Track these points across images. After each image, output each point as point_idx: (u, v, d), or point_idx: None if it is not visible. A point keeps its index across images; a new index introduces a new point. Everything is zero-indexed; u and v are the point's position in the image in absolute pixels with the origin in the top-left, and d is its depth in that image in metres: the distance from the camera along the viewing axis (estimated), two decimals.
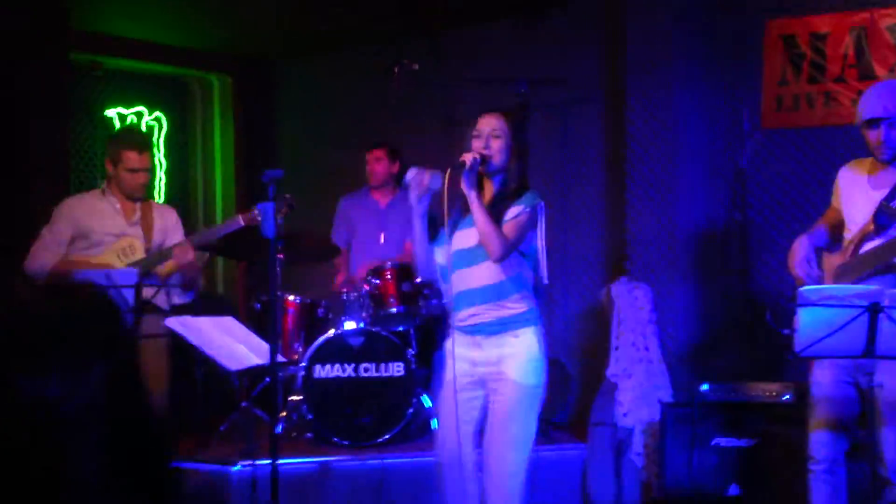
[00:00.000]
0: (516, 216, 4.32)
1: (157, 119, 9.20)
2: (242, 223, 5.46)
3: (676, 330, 6.65)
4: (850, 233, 4.79)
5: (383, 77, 7.38)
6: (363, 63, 8.40)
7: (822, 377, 4.72)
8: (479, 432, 4.49)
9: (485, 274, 4.35)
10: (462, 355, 4.45)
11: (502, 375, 4.36)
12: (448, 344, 4.52)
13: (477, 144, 4.36)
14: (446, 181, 4.22)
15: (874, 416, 4.35)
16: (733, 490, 5.82)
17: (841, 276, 4.72)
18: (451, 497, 4.48)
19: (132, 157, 5.51)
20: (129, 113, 9.00)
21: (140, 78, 9.13)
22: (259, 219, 5.26)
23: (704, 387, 6.04)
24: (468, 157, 4.28)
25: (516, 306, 4.39)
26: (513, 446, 4.37)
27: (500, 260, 4.30)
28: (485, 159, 4.35)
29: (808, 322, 4.07)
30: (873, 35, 6.27)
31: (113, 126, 8.89)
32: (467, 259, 4.38)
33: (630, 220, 6.85)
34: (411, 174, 4.35)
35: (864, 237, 4.67)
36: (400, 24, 7.94)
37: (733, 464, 5.86)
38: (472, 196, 4.26)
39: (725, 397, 5.98)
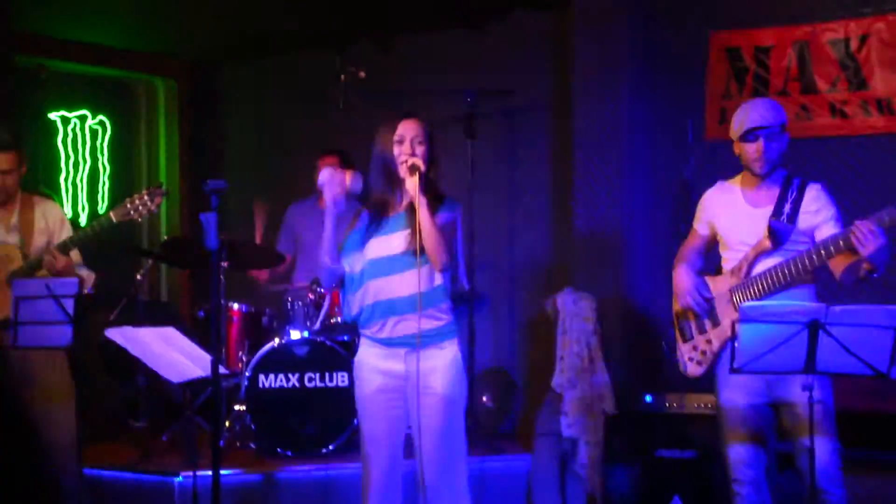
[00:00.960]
0: (445, 223, 4.30)
1: (101, 122, 9.11)
2: (114, 220, 5.24)
3: (621, 341, 6.66)
4: (732, 252, 4.84)
5: (330, 83, 7.34)
6: (310, 67, 8.37)
7: (734, 396, 4.75)
8: (404, 445, 4.46)
9: (409, 283, 4.26)
10: (378, 368, 4.38)
11: (430, 389, 4.29)
12: (360, 355, 4.46)
13: (400, 150, 4.31)
14: (414, 187, 4.17)
15: (812, 429, 4.38)
16: (676, 502, 5.85)
17: (737, 297, 4.75)
18: None
19: None
20: (73, 116, 8.92)
21: (84, 81, 9.05)
22: (132, 215, 5.23)
23: (648, 398, 6.08)
24: (419, 162, 4.24)
25: (442, 317, 4.35)
26: (454, 459, 4.35)
27: (446, 269, 4.28)
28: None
29: (748, 338, 4.10)
30: (816, 49, 6.33)
31: (56, 129, 8.81)
32: (389, 267, 4.30)
33: (576, 230, 6.87)
34: (327, 174, 4.32)
35: (758, 254, 4.72)
36: (347, 29, 7.92)
37: (677, 476, 5.89)
38: (423, 203, 4.19)
39: (669, 409, 6.02)
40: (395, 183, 4.35)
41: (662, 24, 6.83)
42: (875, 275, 4.54)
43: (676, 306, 5.06)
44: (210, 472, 4.45)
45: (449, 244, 4.27)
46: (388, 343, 4.34)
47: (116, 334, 4.92)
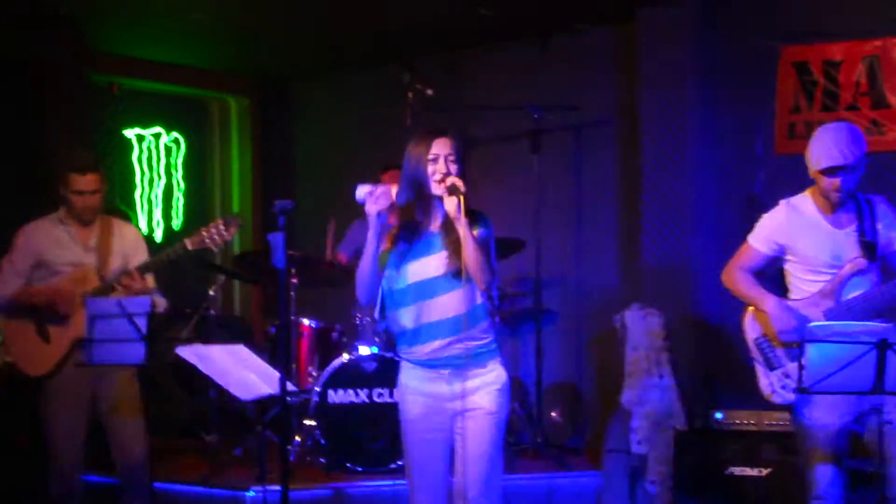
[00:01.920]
0: (481, 240, 4.19)
1: (176, 140, 9.27)
2: (189, 248, 5.34)
3: (690, 356, 6.62)
4: (816, 274, 4.75)
5: (398, 98, 7.40)
6: (379, 84, 8.44)
7: (823, 415, 4.68)
8: (450, 467, 4.36)
9: (452, 304, 4.18)
10: (422, 390, 4.28)
11: (476, 410, 4.22)
12: (403, 378, 4.35)
13: (434, 168, 4.18)
14: (456, 208, 4.05)
15: (885, 453, 4.33)
16: None
17: (835, 320, 4.68)
18: None
19: (76, 180, 5.42)
20: (148, 133, 9.07)
21: (159, 99, 9.22)
22: (207, 243, 5.32)
23: (718, 415, 6.03)
24: (459, 183, 4.11)
25: (484, 336, 4.26)
26: (495, 477, 4.28)
27: (489, 288, 4.19)
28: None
29: (816, 358, 4.06)
30: (886, 63, 6.26)
31: (132, 147, 8.97)
32: (430, 290, 4.20)
33: (643, 246, 6.84)
34: (366, 189, 4.19)
35: (851, 273, 4.64)
36: (415, 46, 7.97)
37: (747, 493, 5.84)
38: (464, 223, 4.08)
39: (739, 426, 5.97)
40: (428, 202, 4.24)
41: (729, 37, 6.79)
42: None
43: (756, 332, 4.97)
44: (279, 487, 4.49)
45: (489, 261, 4.20)
46: (432, 365, 4.24)
47: (187, 352, 4.98)
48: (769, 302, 4.90)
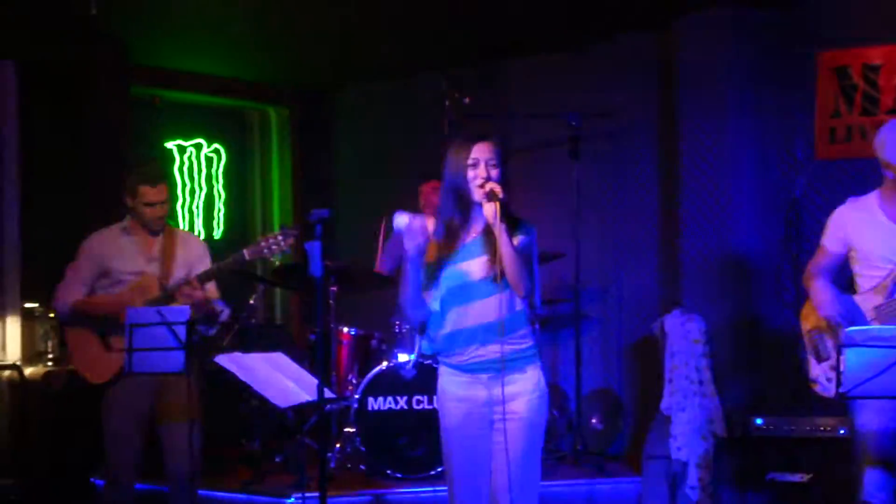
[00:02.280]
0: (522, 247, 4.17)
1: (216, 151, 9.34)
2: (247, 258, 5.40)
3: (730, 363, 6.59)
4: (874, 269, 4.74)
5: (437, 106, 7.42)
6: (417, 92, 8.47)
7: (871, 417, 4.67)
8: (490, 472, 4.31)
9: (489, 309, 4.15)
10: (460, 396, 4.25)
11: (514, 415, 4.19)
12: (442, 384, 4.32)
13: (475, 173, 4.15)
14: (493, 214, 4.03)
15: None
16: None
17: (883, 317, 4.66)
18: None
19: (147, 192, 5.46)
20: (189, 145, 9.14)
21: (199, 110, 9.28)
22: (265, 253, 5.37)
23: (758, 420, 6.00)
24: (498, 189, 4.08)
25: (523, 342, 4.23)
26: (532, 484, 4.24)
27: (528, 295, 4.16)
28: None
29: (853, 363, 4.03)
30: None
31: (173, 158, 9.04)
32: (469, 293, 4.18)
33: (683, 252, 6.82)
34: (404, 220, 4.16)
35: None
36: (452, 54, 7.99)
37: (788, 499, 5.81)
38: (503, 230, 4.05)
39: (780, 431, 5.94)
40: (468, 207, 4.21)
41: (768, 42, 6.75)
42: None
43: (810, 323, 4.98)
44: (319, 494, 4.51)
45: (529, 269, 4.17)
46: (470, 370, 4.22)
47: (226, 360, 5.00)
48: (815, 284, 4.92)
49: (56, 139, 7.54)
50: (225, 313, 5.65)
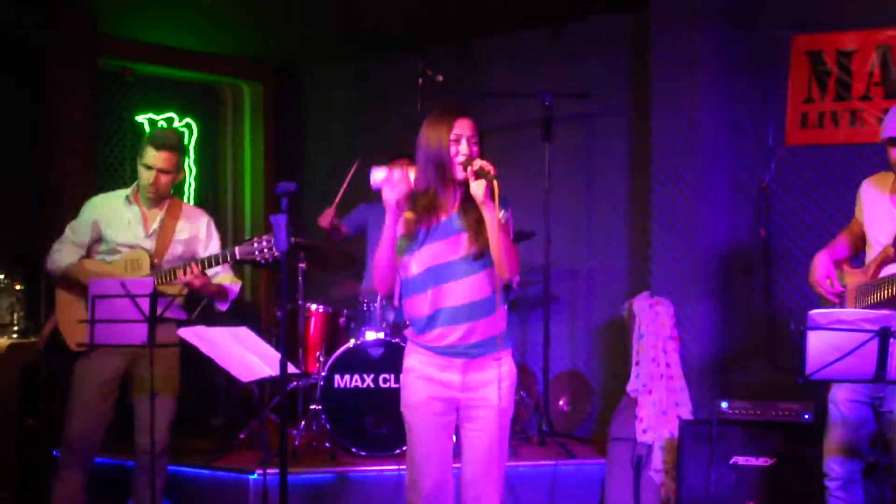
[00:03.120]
0: (503, 224, 4.07)
1: (188, 125, 9.28)
2: (238, 257, 5.26)
3: (697, 346, 6.60)
4: (872, 251, 4.76)
5: (410, 84, 7.38)
6: (391, 70, 8.44)
7: (838, 395, 4.70)
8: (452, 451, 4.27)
9: (469, 289, 4.09)
10: (433, 377, 4.18)
11: (485, 402, 4.15)
12: (410, 362, 4.25)
13: (457, 149, 4.08)
14: (485, 192, 3.92)
15: (890, 441, 4.32)
16: None
17: (861, 296, 4.68)
18: None
19: (150, 153, 5.32)
20: (160, 119, 9.08)
21: (171, 84, 9.21)
22: (256, 256, 5.21)
23: (724, 404, 6.01)
24: (488, 166, 3.98)
25: (499, 325, 4.15)
26: (500, 470, 4.21)
27: (514, 276, 4.08)
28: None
29: (817, 345, 4.04)
30: None
31: (144, 132, 8.97)
32: (448, 273, 4.09)
33: (654, 235, 6.82)
34: (382, 173, 4.07)
35: (884, 259, 4.64)
36: (426, 32, 7.96)
37: (751, 482, 5.82)
38: (492, 208, 3.97)
39: (745, 415, 5.95)
40: (450, 183, 4.12)
41: (742, 26, 6.73)
42: None
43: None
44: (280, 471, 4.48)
45: (515, 249, 4.11)
46: (446, 353, 4.14)
47: (189, 333, 4.96)
48: (819, 253, 4.96)
49: (20, 111, 7.46)
50: (233, 288, 5.55)
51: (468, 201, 4.10)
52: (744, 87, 6.76)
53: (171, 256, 5.45)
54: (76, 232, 5.46)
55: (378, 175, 4.09)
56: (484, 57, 8.08)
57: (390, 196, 4.07)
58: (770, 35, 6.64)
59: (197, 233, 5.56)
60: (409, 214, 4.13)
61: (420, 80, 7.18)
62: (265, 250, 5.23)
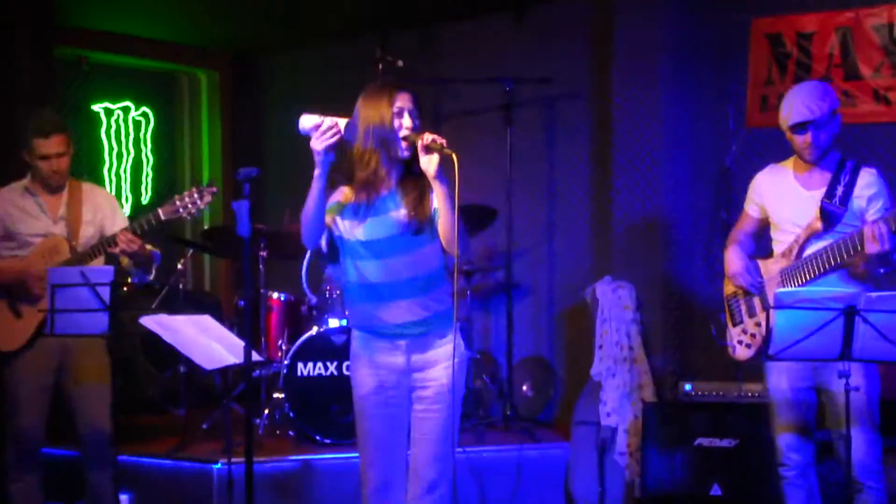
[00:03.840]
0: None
1: (145, 114, 9.20)
2: (163, 218, 5.18)
3: (660, 329, 6.62)
4: (784, 234, 4.81)
5: (370, 72, 7.33)
6: (350, 56, 8.38)
7: (779, 382, 4.75)
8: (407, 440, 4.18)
9: (409, 265, 4.01)
10: (376, 362, 4.11)
11: (433, 383, 4.07)
12: (356, 348, 4.16)
13: (400, 122, 3.96)
14: (436, 167, 3.81)
15: (847, 419, 4.35)
16: (715, 491, 5.81)
17: (787, 279, 4.72)
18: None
19: (41, 144, 5.19)
20: (116, 108, 9.00)
21: (127, 73, 9.13)
22: (181, 213, 5.18)
23: (687, 386, 6.04)
24: (441, 140, 3.86)
25: (442, 302, 4.07)
26: (449, 454, 4.11)
27: (463, 253, 3.95)
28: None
29: (783, 325, 4.05)
30: (859, 35, 6.23)
31: (100, 121, 8.88)
32: (387, 249, 4.00)
33: (615, 218, 6.83)
34: (312, 120, 3.94)
35: (809, 236, 4.68)
36: (386, 18, 7.91)
37: (716, 464, 5.84)
38: (445, 185, 3.87)
39: (708, 397, 5.98)
40: (392, 157, 4.01)
41: (702, 10, 6.76)
42: (885, 270, 4.51)
43: (728, 289, 5.06)
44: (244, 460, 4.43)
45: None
46: (388, 335, 4.08)
47: (150, 321, 4.91)
48: (728, 250, 5.05)
49: None
50: (156, 255, 5.47)
51: (407, 175, 4.04)
52: (705, 70, 6.78)
53: (83, 238, 5.35)
54: None
55: (307, 122, 3.96)
56: (446, 43, 8.05)
57: (318, 145, 3.94)
58: (730, 18, 6.67)
59: (102, 209, 5.46)
60: (347, 189, 4.04)
61: (380, 67, 7.14)
62: (189, 206, 5.18)
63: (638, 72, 6.76)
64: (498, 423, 6.88)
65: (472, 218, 6.27)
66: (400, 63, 7.12)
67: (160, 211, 5.21)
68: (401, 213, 4.02)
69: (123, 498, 5.81)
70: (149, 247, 5.39)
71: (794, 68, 6.44)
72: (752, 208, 5.01)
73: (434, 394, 4.09)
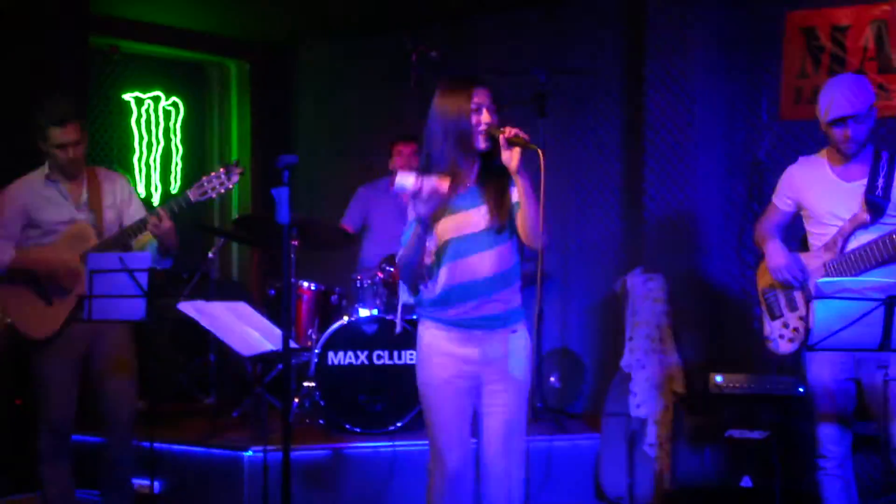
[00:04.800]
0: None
1: (174, 104, 9.22)
2: (192, 200, 5.22)
3: (691, 321, 6.61)
4: (823, 227, 4.80)
5: (402, 63, 7.34)
6: (382, 49, 8.40)
7: (821, 374, 4.74)
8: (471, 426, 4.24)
9: (490, 263, 4.04)
10: (453, 353, 4.12)
11: (504, 374, 4.10)
12: (429, 339, 4.18)
13: (478, 118, 3.99)
14: (519, 161, 3.85)
15: (887, 409, 4.34)
16: (746, 482, 5.81)
17: (833, 273, 4.71)
18: (456, 496, 4.19)
19: (56, 133, 5.21)
20: (147, 97, 9.02)
21: (158, 62, 9.15)
22: (210, 193, 5.23)
23: (718, 378, 6.03)
24: (523, 135, 3.91)
25: (515, 298, 4.14)
26: (521, 444, 4.19)
27: (545, 245, 4.02)
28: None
29: (823, 315, 4.05)
30: (894, 28, 6.21)
31: (130, 110, 8.91)
32: (468, 247, 4.04)
33: (647, 210, 6.82)
34: (410, 181, 3.90)
35: (855, 228, 4.67)
36: (419, 10, 7.92)
37: (746, 456, 5.84)
38: (528, 179, 3.91)
39: (739, 389, 5.97)
40: (471, 154, 4.04)
41: (736, 2, 6.74)
42: None
43: (764, 282, 5.03)
44: (278, 448, 4.46)
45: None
46: (465, 326, 4.09)
47: (189, 307, 4.94)
48: (769, 244, 5.02)
49: (11, 90, 7.37)
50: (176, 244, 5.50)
51: (487, 172, 4.06)
52: (738, 63, 6.77)
53: (108, 223, 5.40)
54: (6, 225, 5.33)
55: (405, 182, 3.91)
56: (478, 36, 8.04)
57: (422, 210, 3.93)
58: (764, 11, 6.66)
59: (121, 195, 5.50)
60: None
61: (413, 58, 7.13)
62: (217, 186, 5.23)
63: (670, 64, 6.74)
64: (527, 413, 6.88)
65: None
66: (434, 53, 7.11)
67: (189, 193, 5.26)
68: (481, 209, 4.04)
69: (154, 484, 5.85)
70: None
71: (829, 61, 6.42)
72: (782, 201, 5.00)
73: (504, 387, 4.12)
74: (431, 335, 4.18)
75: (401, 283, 6.37)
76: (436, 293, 4.12)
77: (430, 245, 4.09)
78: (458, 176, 4.04)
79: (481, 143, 4.02)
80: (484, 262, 4.04)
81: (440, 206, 3.97)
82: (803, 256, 4.91)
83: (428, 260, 4.10)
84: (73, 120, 5.26)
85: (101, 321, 5.03)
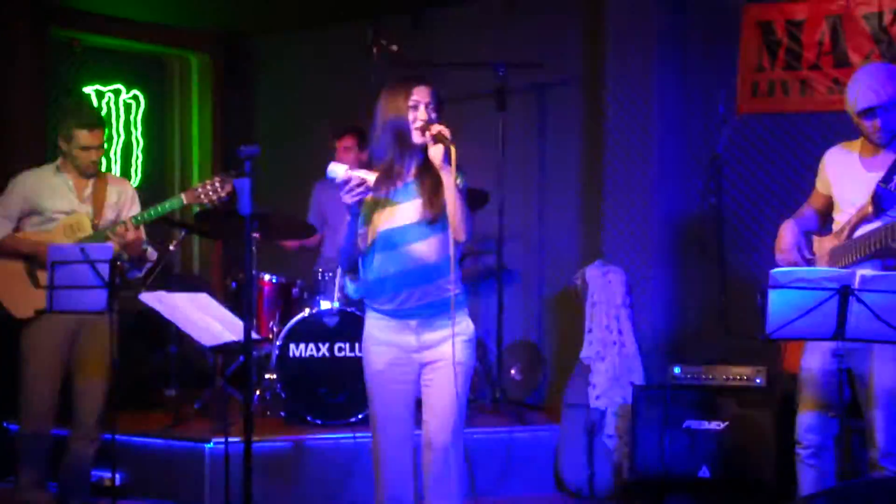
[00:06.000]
0: (463, 190, 4.13)
1: (135, 97, 9.19)
2: (185, 202, 5.46)
3: (650, 314, 6.67)
4: (843, 214, 4.79)
5: (362, 56, 7.35)
6: (342, 41, 8.39)
7: (811, 361, 4.76)
8: (414, 417, 4.31)
9: (423, 253, 4.13)
10: (389, 341, 4.22)
11: (444, 361, 4.16)
12: (369, 328, 4.27)
13: (415, 115, 4.10)
14: (443, 157, 3.97)
15: (867, 401, 4.39)
16: (703, 473, 5.87)
17: (835, 259, 4.74)
18: (393, 482, 4.24)
19: (83, 136, 5.43)
20: (107, 90, 8.99)
21: (118, 55, 9.12)
22: (202, 199, 5.43)
23: (677, 370, 6.08)
24: (446, 132, 4.01)
25: (452, 287, 4.16)
26: (460, 426, 4.23)
27: (467, 240, 4.12)
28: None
29: (778, 304, 4.10)
30: (849, 23, 6.28)
31: (90, 102, 8.87)
32: (401, 238, 4.14)
33: (606, 204, 6.87)
34: (340, 172, 4.04)
35: (861, 219, 4.68)
36: (379, 1, 7.92)
37: (704, 446, 5.90)
38: (451, 172, 3.99)
39: (697, 380, 6.03)
40: (407, 150, 4.16)
41: None
42: None
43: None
44: (240, 439, 4.47)
45: (469, 212, 4.14)
46: (400, 315, 4.19)
47: (150, 298, 4.96)
48: (785, 224, 4.99)
49: None
50: (154, 255, 5.65)
51: (425, 168, 4.16)
52: (696, 56, 6.83)
53: (105, 221, 5.54)
54: (7, 206, 5.51)
55: (337, 171, 4.07)
56: (438, 27, 8.07)
57: (349, 199, 4.08)
58: (721, 4, 6.72)
59: (124, 197, 5.68)
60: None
61: (374, 50, 7.15)
62: (210, 193, 5.43)
63: (630, 56, 6.79)
64: (487, 405, 6.93)
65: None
66: (394, 47, 7.13)
67: (182, 196, 5.47)
68: (417, 202, 4.15)
69: (116, 476, 5.84)
70: (148, 249, 5.67)
71: (785, 55, 6.49)
72: (820, 185, 4.96)
73: (442, 368, 4.19)
74: (371, 324, 4.28)
75: (339, 269, 6.46)
76: (369, 280, 4.22)
77: (363, 231, 4.18)
78: (397, 170, 4.17)
79: (416, 139, 4.13)
80: (416, 253, 4.14)
81: (365, 197, 4.10)
82: (819, 240, 4.90)
83: (362, 244, 4.19)
84: (101, 126, 5.53)
85: (62, 312, 5.04)
